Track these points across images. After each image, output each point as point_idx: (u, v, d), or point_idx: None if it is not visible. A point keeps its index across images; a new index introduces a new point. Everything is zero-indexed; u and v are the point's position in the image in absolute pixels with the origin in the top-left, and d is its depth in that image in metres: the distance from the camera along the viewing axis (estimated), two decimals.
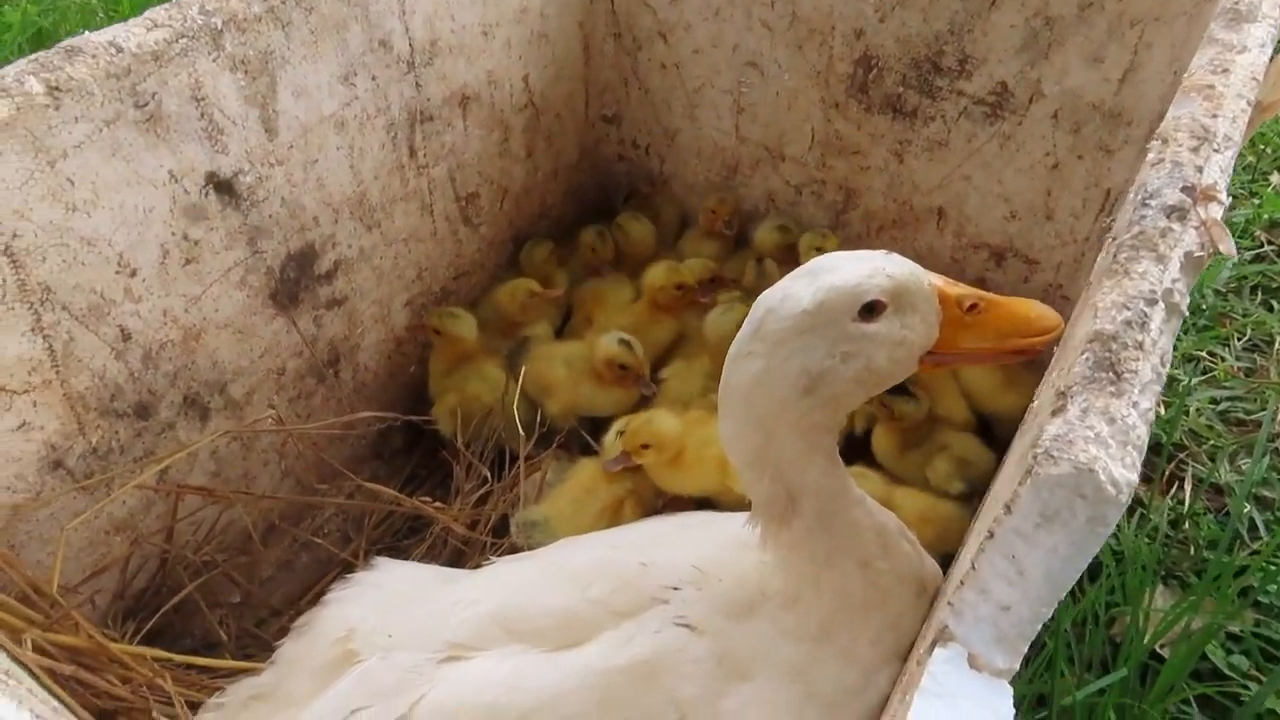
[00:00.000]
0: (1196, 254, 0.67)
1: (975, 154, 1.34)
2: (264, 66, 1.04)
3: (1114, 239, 0.71)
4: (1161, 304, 0.63)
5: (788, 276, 0.89)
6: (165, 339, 1.07)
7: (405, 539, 1.38)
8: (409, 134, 1.28)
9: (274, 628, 1.26)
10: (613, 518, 1.25)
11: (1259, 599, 1.26)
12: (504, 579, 1.04)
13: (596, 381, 1.38)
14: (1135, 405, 0.57)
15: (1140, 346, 0.60)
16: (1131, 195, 0.74)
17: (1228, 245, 0.67)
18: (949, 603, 0.66)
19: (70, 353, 0.97)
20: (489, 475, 1.30)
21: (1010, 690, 0.63)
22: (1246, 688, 1.18)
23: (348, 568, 1.33)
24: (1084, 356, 0.61)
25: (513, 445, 1.38)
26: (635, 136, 1.69)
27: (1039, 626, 0.63)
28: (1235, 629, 1.23)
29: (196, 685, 1.05)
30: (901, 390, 1.28)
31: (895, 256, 0.89)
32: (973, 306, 0.89)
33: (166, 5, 0.96)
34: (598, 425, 1.37)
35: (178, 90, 0.96)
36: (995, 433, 1.38)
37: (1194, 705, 1.16)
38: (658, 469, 1.24)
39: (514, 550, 1.26)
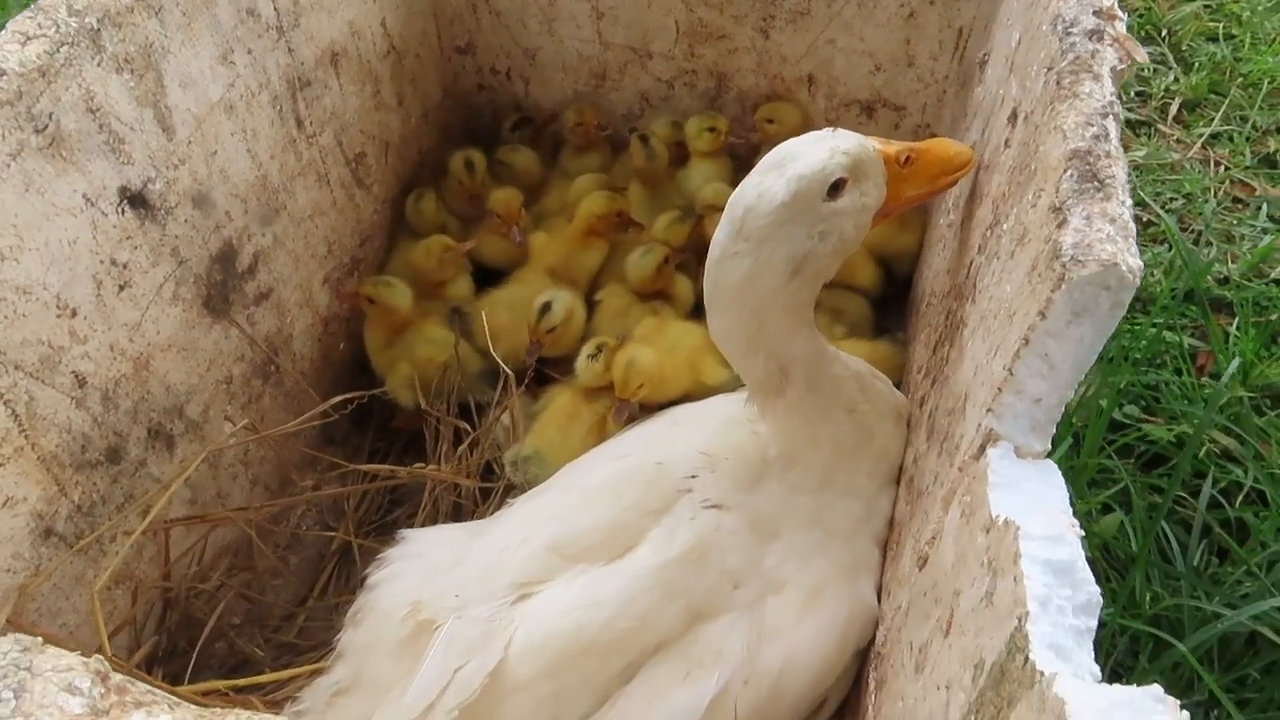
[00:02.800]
0: (1119, 67, 0.78)
1: (836, 17, 1.42)
2: (148, 61, 0.96)
3: (1050, 69, 0.81)
4: (1111, 116, 0.74)
5: (755, 172, 0.95)
6: (118, 374, 1.00)
7: (390, 513, 1.37)
8: (293, 105, 1.21)
9: (293, 630, 1.24)
10: (599, 435, 1.29)
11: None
12: (539, 513, 1.08)
13: None
14: (1123, 204, 0.68)
15: (1109, 155, 0.71)
16: (1047, 27, 0.84)
17: (1140, 54, 0.79)
18: (988, 409, 0.77)
19: (34, 413, 0.90)
20: (469, 428, 1.31)
21: (1056, 466, 0.75)
22: (1140, 428, 1.41)
23: (343, 556, 1.32)
24: (1068, 174, 0.71)
25: (476, 397, 1.39)
26: (493, 63, 1.66)
27: (1063, 408, 0.75)
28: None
29: (265, 706, 1.04)
30: None
31: (842, 132, 0.96)
32: (907, 159, 0.99)
33: (30, 12, 0.86)
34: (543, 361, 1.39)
35: (72, 105, 0.88)
36: (894, 271, 1.53)
37: (1115, 456, 1.39)
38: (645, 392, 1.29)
39: (511, 489, 1.30)
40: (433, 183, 1.58)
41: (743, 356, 1.05)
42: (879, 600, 1.09)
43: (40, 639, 0.51)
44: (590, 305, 1.49)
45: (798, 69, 1.51)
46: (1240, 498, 1.33)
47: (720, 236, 0.97)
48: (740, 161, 1.57)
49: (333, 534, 1.28)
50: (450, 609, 0.97)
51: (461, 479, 1.25)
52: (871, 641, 1.09)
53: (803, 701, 1.05)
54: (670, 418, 1.22)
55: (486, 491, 1.31)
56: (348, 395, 1.24)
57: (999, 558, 0.67)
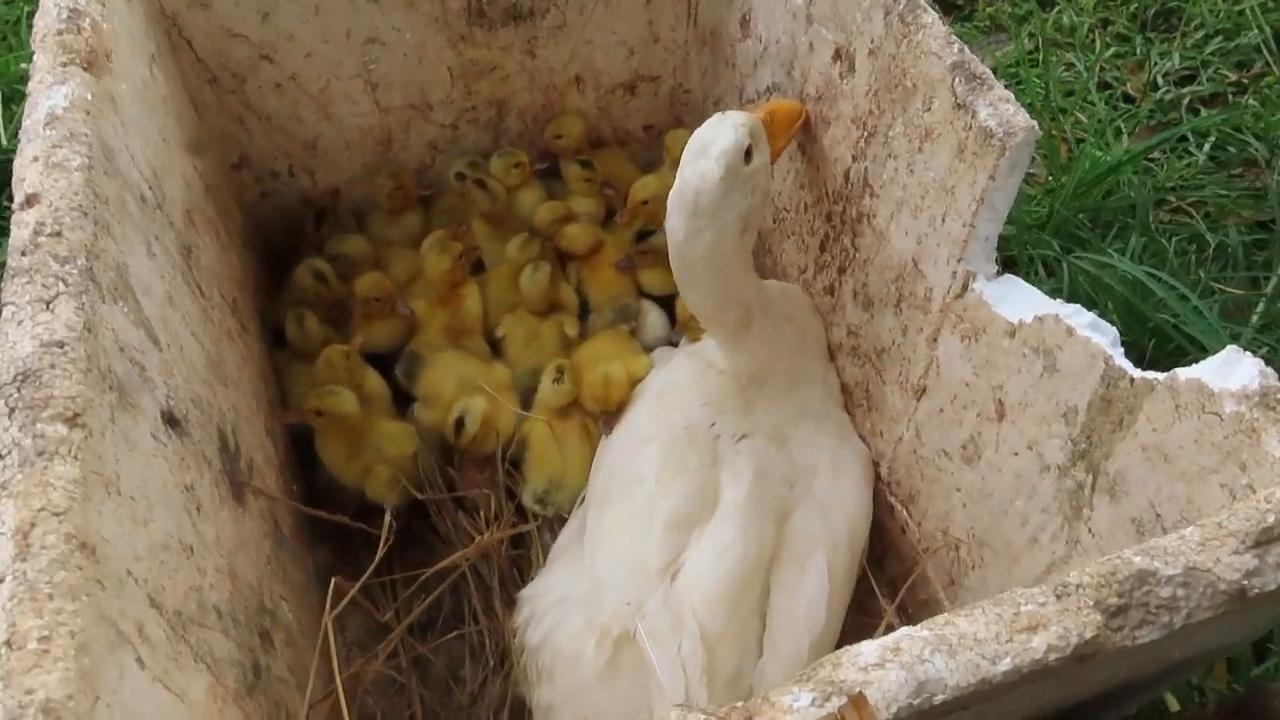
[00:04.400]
0: None
1: (589, 21, 1.61)
2: (123, 281, 0.90)
3: (888, 12, 1.09)
4: (951, 33, 1.04)
5: (685, 163, 1.14)
6: (228, 593, 0.95)
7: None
8: (191, 274, 1.16)
9: None
10: (589, 441, 1.43)
11: None
12: (634, 512, 1.21)
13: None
14: (1001, 86, 0.99)
15: (973, 60, 1.02)
16: None
17: None
18: (958, 259, 1.07)
19: (215, 657, 0.85)
20: (488, 493, 1.38)
21: (1017, 277, 1.07)
22: None
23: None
24: (957, 80, 1.01)
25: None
26: (272, 167, 1.63)
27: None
28: None
29: None
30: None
31: (731, 112, 1.19)
32: (769, 119, 1.25)
33: (21, 277, 0.79)
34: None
35: (113, 351, 0.82)
36: None
37: None
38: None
39: (549, 522, 1.40)
40: (288, 304, 1.54)
41: (719, 313, 1.26)
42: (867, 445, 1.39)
43: None
44: (495, 345, 1.59)
45: (565, 74, 1.68)
46: None
47: (677, 224, 1.15)
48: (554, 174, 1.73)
49: (461, 631, 1.29)
50: (630, 614, 1.10)
51: (506, 533, 1.33)
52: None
53: (864, 540, 1.32)
54: (652, 396, 1.39)
55: (519, 537, 1.39)
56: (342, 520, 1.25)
57: (1046, 340, 0.97)
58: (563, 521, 1.38)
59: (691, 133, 1.15)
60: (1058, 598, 0.63)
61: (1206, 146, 2.13)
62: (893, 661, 0.60)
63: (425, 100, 1.63)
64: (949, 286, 1.11)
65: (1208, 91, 2.28)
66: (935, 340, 1.18)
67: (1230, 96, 2.28)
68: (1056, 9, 2.50)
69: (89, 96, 0.97)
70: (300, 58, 1.49)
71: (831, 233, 1.37)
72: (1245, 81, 2.30)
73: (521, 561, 1.38)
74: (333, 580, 1.12)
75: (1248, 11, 2.40)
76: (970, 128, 1.00)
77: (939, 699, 0.59)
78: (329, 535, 1.44)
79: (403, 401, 1.52)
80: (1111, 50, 2.40)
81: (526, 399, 1.51)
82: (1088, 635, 0.62)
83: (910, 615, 1.37)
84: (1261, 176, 2.08)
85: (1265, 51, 2.29)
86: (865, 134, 1.21)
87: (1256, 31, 2.33)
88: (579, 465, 1.40)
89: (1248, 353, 0.78)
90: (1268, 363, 0.76)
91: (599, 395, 1.40)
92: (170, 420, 0.92)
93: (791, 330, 1.39)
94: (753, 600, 1.16)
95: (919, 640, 0.61)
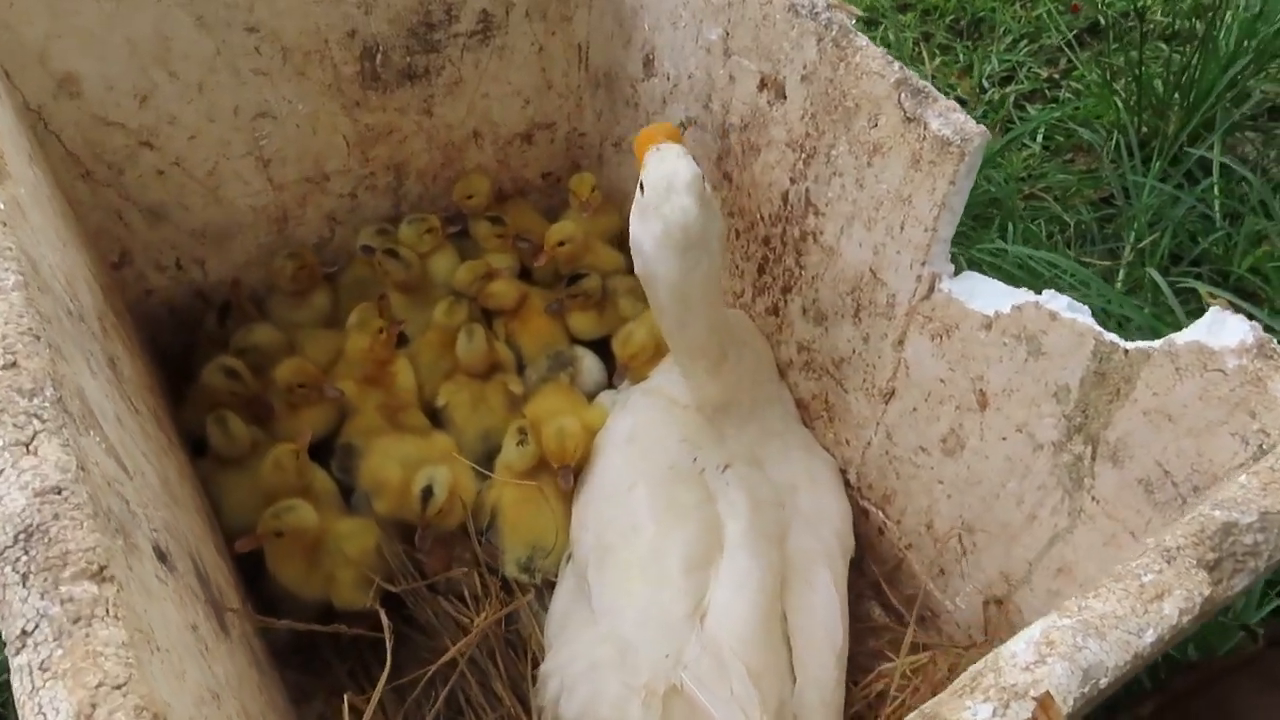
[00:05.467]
0: (852, 21, 1.14)
1: (485, 74, 1.58)
2: (88, 409, 0.79)
3: (819, 39, 1.14)
4: (886, 53, 1.10)
5: (657, 207, 1.13)
6: None
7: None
8: (121, 387, 1.03)
9: None
10: (564, 499, 1.38)
11: None
12: (644, 563, 1.18)
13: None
14: (944, 97, 1.06)
15: (912, 76, 1.07)
16: (782, 15, 1.17)
17: (855, 10, 1.16)
18: (923, 262, 1.12)
19: None
20: (466, 570, 1.29)
21: (976, 272, 1.13)
22: None
23: None
24: (903, 95, 1.06)
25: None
26: (157, 259, 1.48)
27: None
28: None
29: None
30: (577, 277, 1.60)
31: (665, 145, 1.19)
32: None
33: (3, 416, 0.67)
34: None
35: (106, 491, 0.71)
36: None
37: None
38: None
39: (537, 590, 1.34)
40: (199, 408, 1.40)
41: (709, 344, 1.26)
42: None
43: None
44: (435, 415, 1.51)
45: (463, 130, 1.64)
46: None
47: (673, 262, 1.14)
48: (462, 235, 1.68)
49: None
50: (671, 666, 1.07)
51: (500, 612, 1.26)
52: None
53: (851, 546, 1.35)
54: (622, 443, 1.36)
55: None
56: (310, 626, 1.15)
57: (1028, 327, 1.03)
58: (550, 586, 1.33)
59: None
60: (1168, 562, 0.67)
61: (1039, 138, 2.35)
62: (1052, 655, 0.61)
63: (321, 171, 1.54)
64: (914, 290, 1.16)
65: (1027, 89, 2.52)
66: (902, 343, 1.22)
67: (1046, 91, 2.54)
68: (882, 27, 2.70)
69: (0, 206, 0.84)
70: (184, 140, 1.37)
71: (770, 255, 1.40)
72: (1056, 77, 2.57)
73: (513, 637, 1.31)
74: (345, 697, 1.02)
75: (1044, 16, 2.68)
76: (924, 138, 1.06)
77: (1103, 683, 0.60)
78: (292, 650, 1.32)
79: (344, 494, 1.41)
80: (938, 60, 2.61)
81: (484, 465, 1.44)
82: (1205, 592, 0.65)
83: (900, 612, 1.40)
84: (1091, 159, 2.32)
85: (1068, 50, 2.56)
86: (804, 156, 1.25)
87: (1057, 34, 2.60)
88: (554, 525, 1.35)
89: (1229, 311, 0.86)
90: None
91: (555, 450, 1.36)
92: (160, 555, 0.81)
93: (749, 354, 1.41)
94: (778, 627, 1.15)
95: (1066, 629, 0.62)
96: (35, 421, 0.69)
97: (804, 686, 1.12)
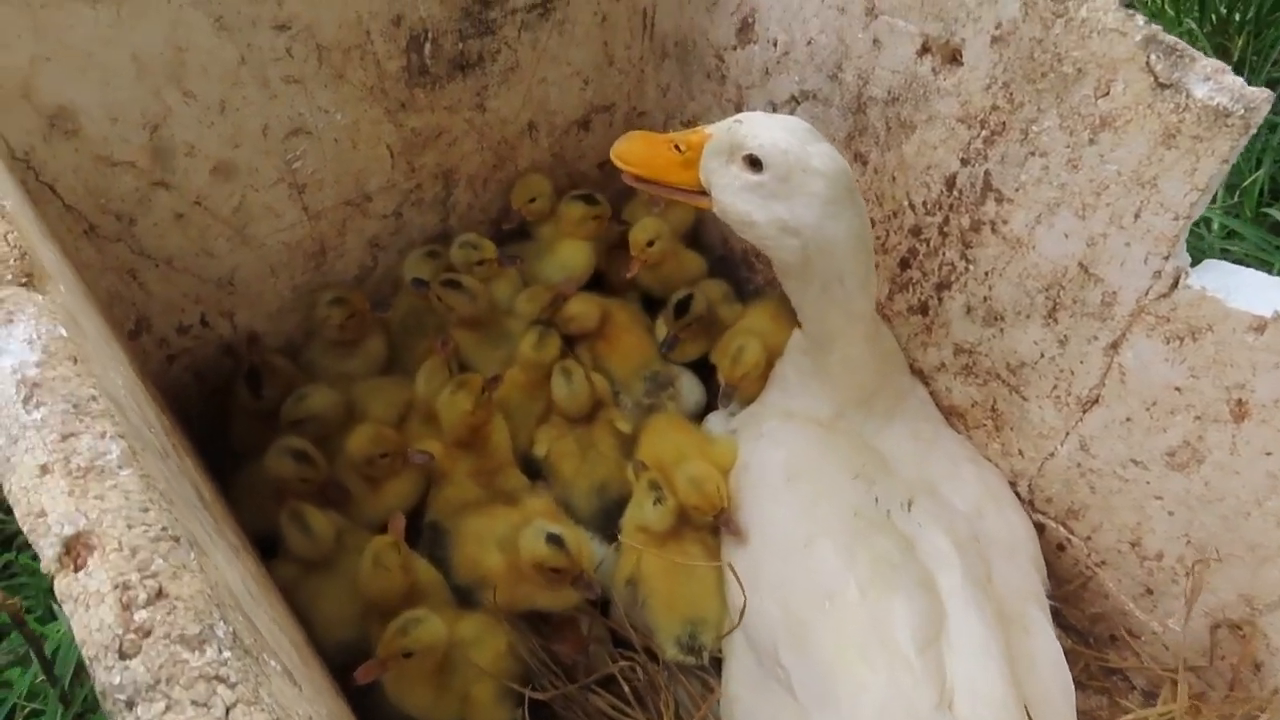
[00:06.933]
0: None
1: (543, 55, 1.32)
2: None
3: None
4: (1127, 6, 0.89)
5: (787, 177, 0.99)
6: None
7: None
8: (200, 498, 0.79)
9: None
10: (709, 550, 1.18)
11: None
12: (851, 640, 0.99)
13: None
14: (1207, 57, 0.86)
15: (1163, 32, 0.87)
16: None
17: None
18: (1165, 256, 0.93)
19: None
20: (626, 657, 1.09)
21: (1220, 261, 0.94)
22: None
23: None
24: (1152, 57, 0.86)
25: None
26: (179, 321, 1.21)
27: None
28: None
29: None
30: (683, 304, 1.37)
31: (728, 121, 1.01)
32: None
33: None
34: None
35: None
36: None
37: None
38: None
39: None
40: (258, 497, 1.15)
41: (870, 304, 1.08)
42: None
43: None
44: (532, 469, 1.29)
45: (518, 124, 1.38)
46: None
47: (850, 215, 1.01)
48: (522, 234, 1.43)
49: None
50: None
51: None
52: None
53: (1043, 562, 1.19)
54: (781, 484, 1.16)
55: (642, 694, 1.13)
56: None
57: None
58: (716, 664, 1.13)
59: None
60: None
61: None
62: None
63: (362, 191, 1.27)
64: (1147, 287, 0.97)
65: None
66: (1117, 346, 1.04)
67: None
68: None
69: (61, 333, 0.59)
70: (205, 174, 1.10)
71: (922, 247, 1.20)
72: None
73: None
74: None
75: None
76: (1184, 108, 0.86)
77: None
78: None
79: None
80: None
81: (601, 524, 1.23)
82: None
83: (1084, 633, 1.25)
84: None
85: None
86: (985, 133, 1.04)
87: None
88: (712, 592, 1.15)
89: None
90: None
91: (699, 501, 1.15)
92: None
93: (881, 335, 1.24)
94: (1021, 693, 0.98)
95: None
96: (221, 689, 0.45)
97: None
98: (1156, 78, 0.87)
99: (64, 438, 0.52)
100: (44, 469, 0.51)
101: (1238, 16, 1.94)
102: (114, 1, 0.90)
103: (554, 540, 1.08)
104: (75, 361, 0.57)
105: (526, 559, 1.09)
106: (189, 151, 1.06)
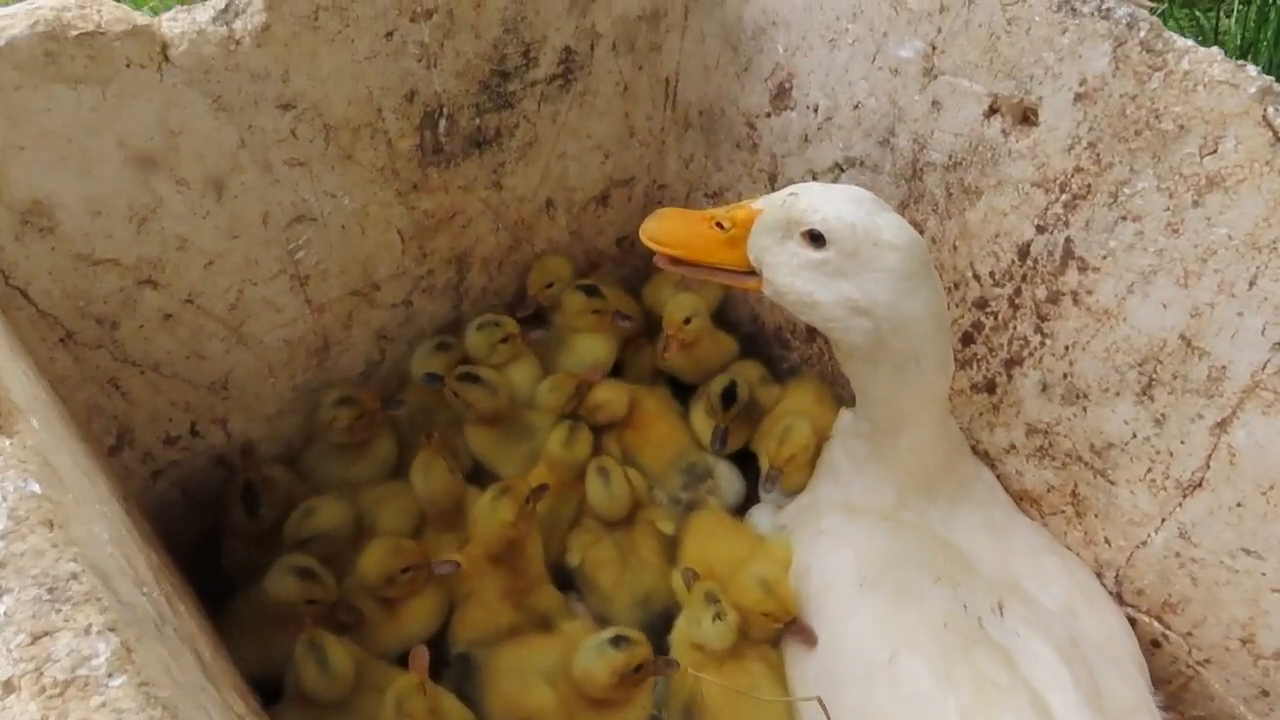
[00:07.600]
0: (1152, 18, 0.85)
1: (563, 129, 1.23)
2: None
3: (1119, 42, 0.84)
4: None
5: (856, 252, 0.90)
6: None
7: None
8: (199, 663, 0.65)
9: None
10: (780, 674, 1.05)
11: None
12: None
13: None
14: None
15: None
16: (1047, 15, 0.86)
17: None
18: None
19: None
20: None
21: None
22: None
23: None
24: (1268, 110, 0.77)
25: None
26: (165, 432, 1.07)
27: None
28: None
29: None
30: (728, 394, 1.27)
31: (783, 194, 0.91)
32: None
33: None
34: None
35: None
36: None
37: None
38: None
39: None
40: (260, 629, 1.00)
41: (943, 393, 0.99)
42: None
43: None
44: (565, 580, 1.15)
45: (535, 201, 1.28)
46: None
47: (927, 290, 0.92)
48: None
49: None
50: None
51: None
52: None
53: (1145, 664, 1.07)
54: (854, 590, 1.03)
55: None
56: None
57: None
58: None
59: None
60: None
61: None
62: None
63: (370, 280, 1.16)
64: (1265, 360, 0.87)
65: None
66: (1226, 426, 0.93)
67: None
68: None
69: (33, 489, 0.46)
70: (198, 269, 0.98)
71: (988, 321, 1.10)
72: None
73: None
74: None
75: None
76: None
77: None
78: None
79: None
80: None
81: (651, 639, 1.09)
82: None
83: None
84: None
85: None
86: (1065, 197, 0.95)
87: None
88: (780, 717, 1.01)
89: None
90: None
91: (772, 608, 1.02)
92: None
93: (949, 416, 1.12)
94: None
95: None
96: None
97: None
98: (1276, 132, 0.78)
99: (35, 639, 0.39)
100: (8, 686, 0.38)
101: None
102: (99, 82, 0.79)
103: (620, 641, 0.98)
104: (51, 527, 0.44)
105: (599, 677, 0.96)
106: (180, 245, 0.94)
